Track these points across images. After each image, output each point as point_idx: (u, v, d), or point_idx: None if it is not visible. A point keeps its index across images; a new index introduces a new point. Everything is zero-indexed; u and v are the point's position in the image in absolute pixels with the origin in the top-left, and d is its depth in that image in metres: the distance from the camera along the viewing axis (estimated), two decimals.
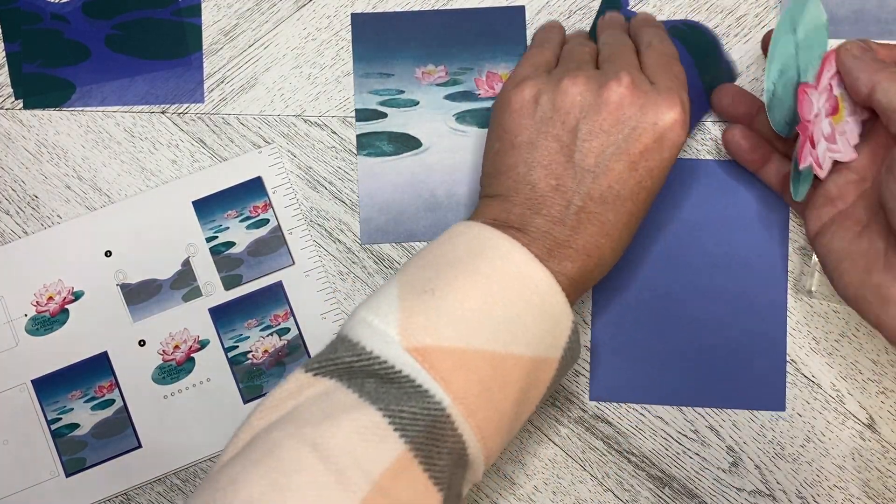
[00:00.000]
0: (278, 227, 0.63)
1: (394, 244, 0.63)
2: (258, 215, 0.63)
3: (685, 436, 0.61)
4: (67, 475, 0.61)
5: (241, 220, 0.63)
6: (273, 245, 0.63)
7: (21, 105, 0.64)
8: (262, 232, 0.63)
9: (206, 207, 0.63)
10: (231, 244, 0.62)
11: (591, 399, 0.62)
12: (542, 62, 0.56)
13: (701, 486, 0.61)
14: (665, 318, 0.61)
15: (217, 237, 0.62)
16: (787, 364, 0.61)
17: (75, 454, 0.61)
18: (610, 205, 0.51)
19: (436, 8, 0.64)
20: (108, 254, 0.62)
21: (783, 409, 0.60)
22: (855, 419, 0.60)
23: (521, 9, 0.64)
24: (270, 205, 0.63)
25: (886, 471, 0.60)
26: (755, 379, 0.61)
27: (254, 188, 0.63)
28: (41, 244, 0.62)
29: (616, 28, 0.59)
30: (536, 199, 0.51)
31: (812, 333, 0.61)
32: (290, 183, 0.63)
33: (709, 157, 0.62)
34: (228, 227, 0.62)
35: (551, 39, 0.59)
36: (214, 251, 0.62)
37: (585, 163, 0.50)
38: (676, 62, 0.55)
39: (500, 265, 0.48)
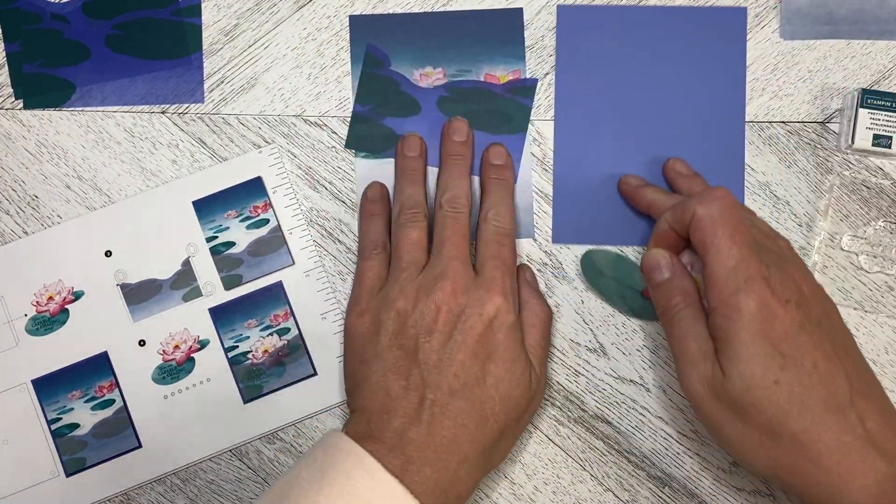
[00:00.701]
0: (278, 227, 0.63)
1: None
2: (258, 215, 0.63)
3: (685, 436, 0.61)
4: (67, 475, 0.61)
5: (242, 220, 0.63)
6: (273, 245, 0.63)
7: (21, 105, 0.64)
8: (263, 232, 0.63)
9: (207, 207, 0.63)
10: (231, 244, 0.62)
11: (553, 242, 0.63)
12: (376, 282, 0.58)
13: (701, 486, 0.61)
14: (625, 160, 0.63)
15: (217, 237, 0.62)
16: None
17: (75, 454, 0.61)
18: (459, 394, 0.54)
19: (434, 10, 0.64)
20: (108, 254, 0.62)
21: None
22: None
23: (520, 11, 0.64)
24: (270, 205, 0.63)
25: None
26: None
27: (254, 188, 0.63)
28: (41, 244, 0.62)
29: (459, 169, 0.60)
30: (391, 403, 0.54)
31: None
32: (291, 183, 0.63)
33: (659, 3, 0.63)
34: (228, 227, 0.62)
35: (377, 237, 0.60)
36: (214, 251, 0.62)
37: (430, 360, 0.54)
38: (508, 242, 0.58)
39: (347, 487, 0.50)
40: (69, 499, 0.60)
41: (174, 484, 0.61)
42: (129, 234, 0.62)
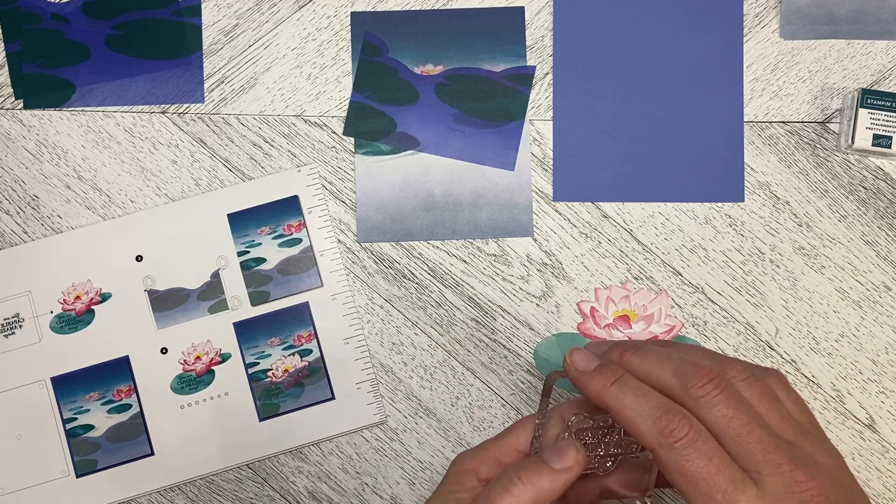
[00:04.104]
0: (310, 248, 0.63)
1: (393, 244, 0.63)
2: (291, 234, 0.62)
3: None
4: (78, 476, 0.61)
5: (274, 238, 0.62)
6: (303, 265, 0.62)
7: (21, 105, 0.64)
8: (294, 251, 0.62)
9: (241, 222, 0.63)
10: (262, 260, 0.62)
11: (554, 199, 0.63)
12: None
13: None
14: (624, 120, 0.63)
15: (248, 252, 0.62)
16: (787, 364, 0.61)
17: (87, 455, 0.61)
18: None
19: (435, 8, 0.64)
20: (139, 258, 0.62)
21: (742, 199, 0.62)
22: (855, 419, 0.60)
23: (521, 9, 0.64)
24: (304, 225, 0.63)
25: (886, 471, 0.60)
26: (715, 171, 0.62)
27: (290, 207, 0.63)
28: (74, 242, 0.62)
29: None
30: None
31: (812, 333, 0.61)
32: (327, 205, 0.63)
33: None
34: (261, 244, 0.62)
35: None
36: (245, 266, 0.62)
37: None
38: None
39: None
40: (77, 499, 0.61)
41: (183, 495, 0.61)
42: (161, 241, 0.62)
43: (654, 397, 0.45)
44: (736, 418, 0.44)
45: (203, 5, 0.64)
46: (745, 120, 0.63)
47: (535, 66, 0.64)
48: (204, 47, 0.64)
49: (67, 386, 0.61)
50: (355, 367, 0.62)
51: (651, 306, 0.62)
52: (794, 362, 0.61)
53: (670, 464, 0.43)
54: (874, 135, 0.60)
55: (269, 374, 0.62)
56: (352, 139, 0.63)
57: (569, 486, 0.46)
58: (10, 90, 0.64)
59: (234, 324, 0.62)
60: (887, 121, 0.60)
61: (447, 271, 0.63)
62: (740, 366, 0.46)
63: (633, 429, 0.45)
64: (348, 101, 0.64)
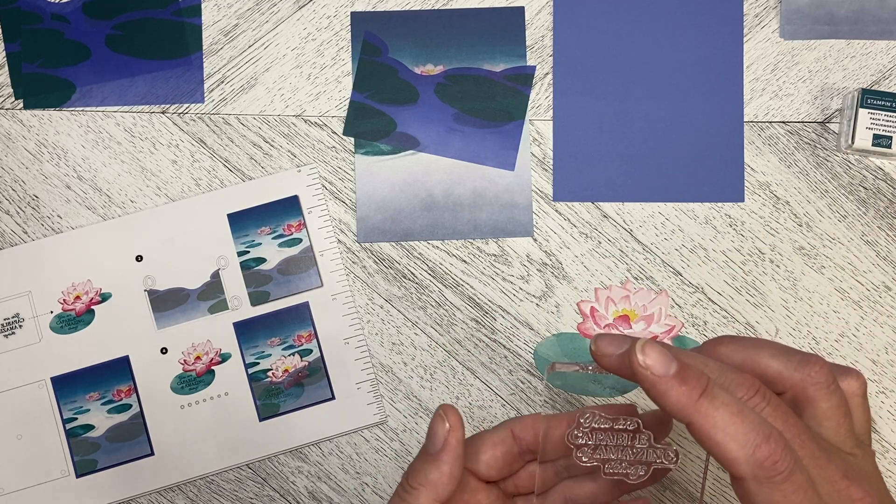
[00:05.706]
0: (310, 248, 0.63)
1: (394, 244, 0.63)
2: (291, 234, 0.62)
3: (685, 438, 0.61)
4: (78, 476, 0.61)
5: (274, 238, 0.62)
6: (303, 265, 0.62)
7: (21, 105, 0.64)
8: (294, 251, 0.62)
9: (241, 221, 0.63)
10: (262, 260, 0.62)
11: (554, 199, 0.63)
12: None
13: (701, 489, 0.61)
14: (624, 120, 0.63)
15: (248, 252, 0.62)
16: None
17: (87, 455, 0.61)
18: None
19: (435, 8, 0.64)
20: (139, 258, 0.62)
21: (742, 199, 0.62)
22: None
23: (521, 9, 0.64)
24: (304, 225, 0.63)
25: (886, 471, 0.60)
26: (715, 171, 0.62)
27: (290, 206, 0.63)
28: (74, 242, 0.62)
29: None
30: None
31: (812, 333, 0.61)
32: (327, 205, 0.63)
33: None
34: (261, 244, 0.62)
35: None
36: (245, 266, 0.62)
37: None
38: None
39: None
40: (77, 499, 0.61)
41: (183, 494, 0.61)
42: (161, 241, 0.62)
43: (750, 417, 0.40)
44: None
45: (203, 5, 0.64)
46: (745, 120, 0.63)
47: (535, 66, 0.64)
48: (204, 47, 0.64)
49: (67, 386, 0.61)
50: (355, 367, 0.62)
51: (651, 306, 0.62)
52: None
53: (760, 496, 0.39)
54: (874, 135, 0.60)
55: (269, 374, 0.62)
56: (352, 139, 0.63)
57: (459, 462, 0.44)
58: (10, 90, 0.64)
59: (234, 324, 0.62)
60: (887, 121, 0.60)
61: (447, 271, 0.63)
62: (825, 369, 0.43)
63: (721, 453, 0.40)
64: (348, 101, 0.64)
